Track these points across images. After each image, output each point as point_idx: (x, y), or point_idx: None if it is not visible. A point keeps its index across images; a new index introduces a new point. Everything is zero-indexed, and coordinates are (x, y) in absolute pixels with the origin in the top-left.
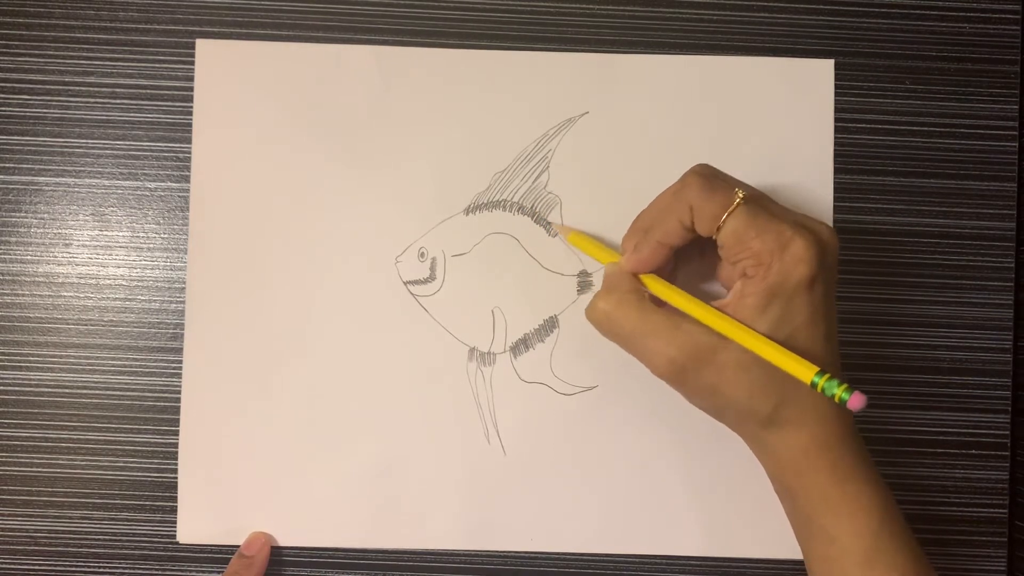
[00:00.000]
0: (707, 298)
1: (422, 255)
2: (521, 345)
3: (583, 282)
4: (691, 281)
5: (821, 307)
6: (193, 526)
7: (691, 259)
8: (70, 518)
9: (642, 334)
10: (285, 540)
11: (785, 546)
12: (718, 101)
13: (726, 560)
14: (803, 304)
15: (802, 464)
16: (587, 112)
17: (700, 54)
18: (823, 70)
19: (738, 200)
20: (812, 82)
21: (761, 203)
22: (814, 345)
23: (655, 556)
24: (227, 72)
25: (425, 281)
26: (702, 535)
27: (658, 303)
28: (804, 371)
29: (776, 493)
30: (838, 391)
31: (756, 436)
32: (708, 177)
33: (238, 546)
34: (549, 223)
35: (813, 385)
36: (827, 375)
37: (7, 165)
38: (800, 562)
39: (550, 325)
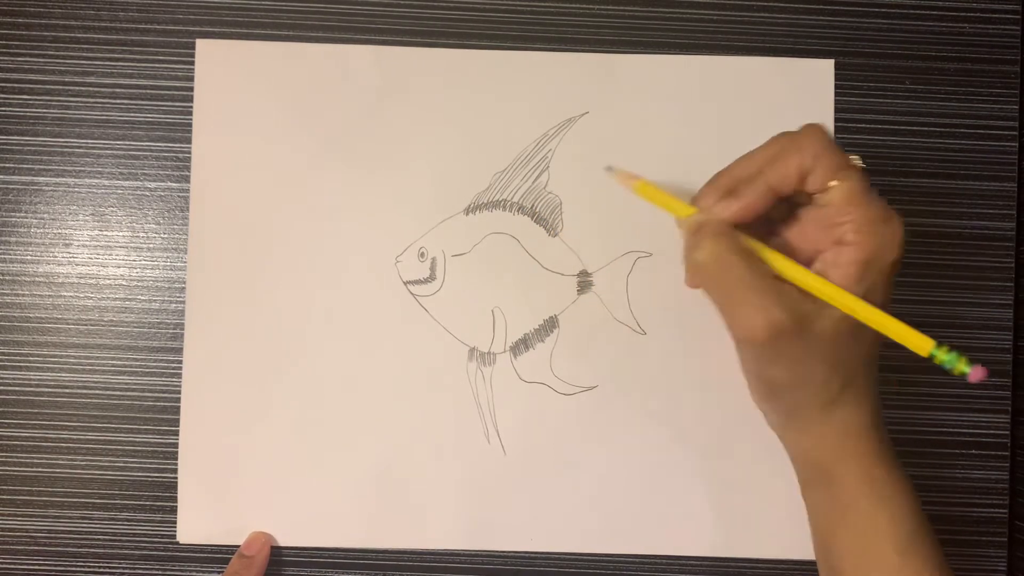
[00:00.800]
0: None
1: (422, 255)
2: (521, 345)
3: (583, 282)
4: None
5: (890, 291)
6: (193, 526)
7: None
8: (70, 518)
9: (749, 288)
10: (285, 540)
11: (784, 546)
12: (718, 101)
13: (726, 560)
14: (887, 283)
15: (848, 446)
16: (587, 112)
17: (700, 54)
18: (823, 70)
19: (859, 163)
20: (812, 82)
21: (867, 176)
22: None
23: (655, 556)
24: (227, 72)
25: (425, 281)
26: (702, 535)
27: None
28: (923, 344)
29: (804, 486)
30: (959, 364)
31: (809, 418)
32: (826, 135)
33: (238, 546)
34: (610, 168)
35: (931, 357)
36: (945, 347)
37: (7, 165)
38: (800, 562)
39: (550, 325)
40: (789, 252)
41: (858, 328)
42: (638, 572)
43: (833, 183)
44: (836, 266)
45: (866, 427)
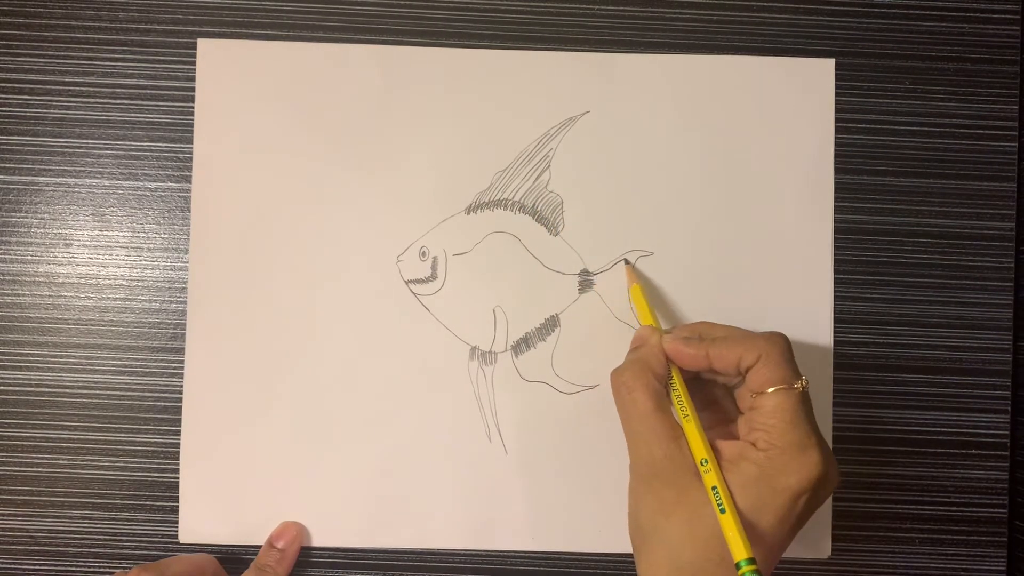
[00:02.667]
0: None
1: (423, 254)
2: (522, 344)
3: (584, 281)
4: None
5: (792, 518)
6: (195, 526)
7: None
8: (71, 518)
9: (646, 425)
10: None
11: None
12: (718, 101)
13: None
14: (781, 506)
15: None
16: (588, 111)
17: (700, 54)
18: (824, 70)
19: (799, 386)
20: (813, 82)
21: (809, 404)
22: (767, 539)
23: None
24: (229, 71)
25: (426, 280)
26: None
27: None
28: (742, 550)
29: None
30: None
31: (654, 570)
32: (788, 350)
33: (240, 546)
34: (627, 261)
35: (737, 566)
36: (756, 568)
37: (7, 165)
38: (800, 560)
39: (551, 324)
40: (725, 414)
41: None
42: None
43: (770, 390)
44: (740, 460)
45: None
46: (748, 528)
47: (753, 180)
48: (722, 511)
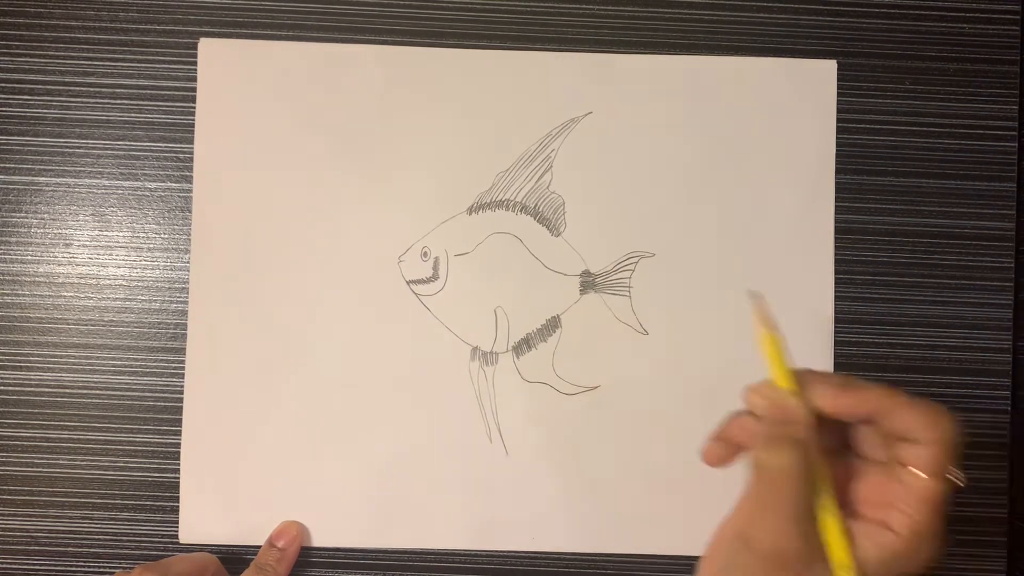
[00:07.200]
0: None
1: (425, 254)
2: (523, 345)
3: (585, 282)
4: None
5: None
6: (195, 526)
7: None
8: (71, 518)
9: (789, 509)
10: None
11: None
12: (720, 102)
13: None
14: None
15: None
16: (590, 112)
17: (700, 54)
18: (826, 70)
19: (960, 481)
20: (814, 82)
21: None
22: None
23: (656, 556)
24: (230, 71)
25: (428, 280)
26: (703, 535)
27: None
28: None
29: None
30: None
31: None
32: (957, 438)
33: (240, 546)
34: (755, 295)
35: None
36: None
37: (7, 165)
38: None
39: (552, 325)
40: (848, 469)
41: None
42: (639, 572)
43: (921, 474)
44: (868, 536)
45: None
46: None
47: (754, 180)
48: None
